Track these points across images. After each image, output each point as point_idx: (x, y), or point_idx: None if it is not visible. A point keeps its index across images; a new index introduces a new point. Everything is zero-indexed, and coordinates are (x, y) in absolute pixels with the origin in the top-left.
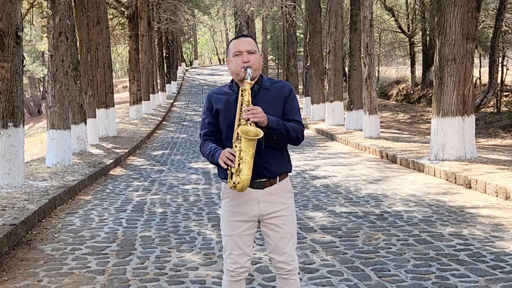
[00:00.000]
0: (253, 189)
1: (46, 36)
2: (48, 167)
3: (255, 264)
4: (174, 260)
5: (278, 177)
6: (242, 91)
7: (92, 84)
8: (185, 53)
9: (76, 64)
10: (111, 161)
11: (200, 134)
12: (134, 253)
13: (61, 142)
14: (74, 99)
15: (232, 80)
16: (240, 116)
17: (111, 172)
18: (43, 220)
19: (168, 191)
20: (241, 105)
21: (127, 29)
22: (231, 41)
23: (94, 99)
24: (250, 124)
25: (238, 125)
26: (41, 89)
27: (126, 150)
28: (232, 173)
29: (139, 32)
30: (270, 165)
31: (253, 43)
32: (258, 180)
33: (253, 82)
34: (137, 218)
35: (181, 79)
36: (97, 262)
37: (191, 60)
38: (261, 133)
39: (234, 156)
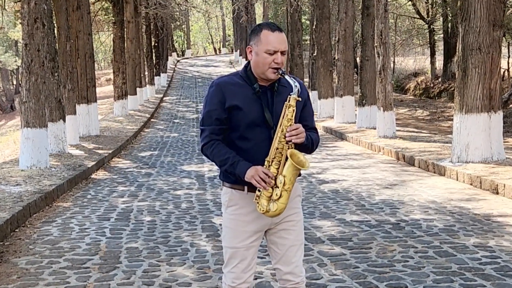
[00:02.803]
0: None
1: (20, 23)
2: (22, 170)
3: (255, 279)
4: (164, 274)
5: None
6: (287, 107)
7: (71, 77)
8: (176, 41)
9: (54, 54)
10: (93, 163)
11: (202, 130)
12: (119, 267)
13: (36, 142)
14: (51, 94)
15: (246, 70)
16: (282, 134)
17: (93, 176)
18: (17, 230)
19: (157, 197)
20: (284, 121)
21: (111, 15)
22: (261, 28)
23: (74, 93)
24: (290, 146)
25: (280, 143)
26: (14, 83)
27: (110, 151)
28: (260, 194)
29: (125, 18)
30: None
31: (286, 42)
32: None
33: (300, 99)
34: (122, 227)
35: (172, 71)
36: (77, 277)
37: (183, 49)
38: (307, 164)
39: (270, 178)
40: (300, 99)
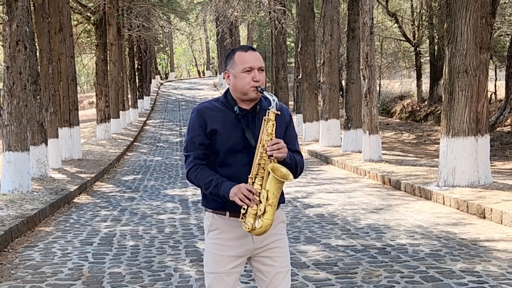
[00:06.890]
0: None
1: (2, 45)
2: (3, 194)
3: None
4: None
5: None
6: (266, 121)
7: (54, 100)
8: (159, 64)
9: (36, 77)
10: (76, 187)
11: (186, 156)
12: None
13: (18, 166)
14: (33, 117)
15: (226, 95)
16: (263, 149)
17: (75, 200)
18: None
19: (140, 222)
20: (263, 135)
21: (94, 37)
22: (234, 51)
23: (56, 116)
24: (272, 161)
25: (261, 158)
26: None
27: (93, 175)
28: (245, 212)
29: (108, 41)
30: None
31: (262, 60)
32: None
33: (279, 112)
34: (105, 252)
35: (155, 94)
36: None
37: (167, 72)
38: (291, 176)
39: (253, 194)
40: (279, 112)
